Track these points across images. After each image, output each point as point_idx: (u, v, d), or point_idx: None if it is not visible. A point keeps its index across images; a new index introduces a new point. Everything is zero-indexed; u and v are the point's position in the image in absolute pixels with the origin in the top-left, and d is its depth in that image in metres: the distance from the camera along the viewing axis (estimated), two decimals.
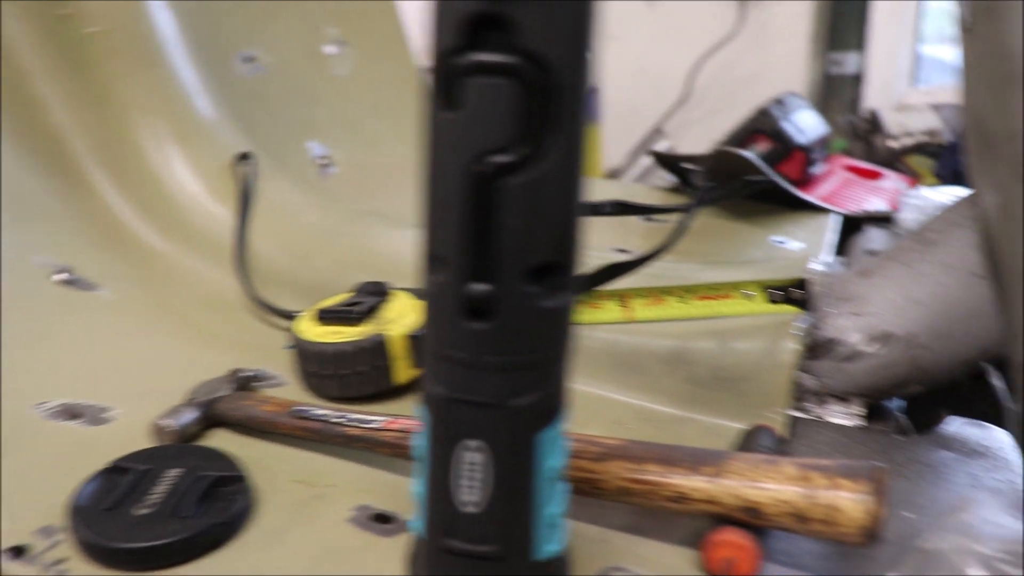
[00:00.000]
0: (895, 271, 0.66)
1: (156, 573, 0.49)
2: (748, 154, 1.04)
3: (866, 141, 1.54)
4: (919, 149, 1.53)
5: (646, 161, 1.48)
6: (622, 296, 0.68)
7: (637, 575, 0.50)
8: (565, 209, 0.37)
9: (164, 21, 0.87)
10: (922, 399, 0.79)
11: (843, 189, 1.36)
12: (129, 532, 0.50)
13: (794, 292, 0.66)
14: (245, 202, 0.83)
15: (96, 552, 0.50)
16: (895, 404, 0.72)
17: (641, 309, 0.68)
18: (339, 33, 1.06)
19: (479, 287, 0.38)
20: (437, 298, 0.39)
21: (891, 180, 1.42)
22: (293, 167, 0.98)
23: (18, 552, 0.50)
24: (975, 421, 0.70)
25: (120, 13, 0.84)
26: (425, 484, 0.44)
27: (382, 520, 0.54)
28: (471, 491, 0.42)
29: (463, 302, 0.38)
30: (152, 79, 0.86)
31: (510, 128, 0.35)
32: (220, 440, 0.63)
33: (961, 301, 0.63)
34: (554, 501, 0.45)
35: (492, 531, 0.43)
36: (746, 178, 0.77)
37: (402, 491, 0.57)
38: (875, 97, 1.86)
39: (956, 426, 0.69)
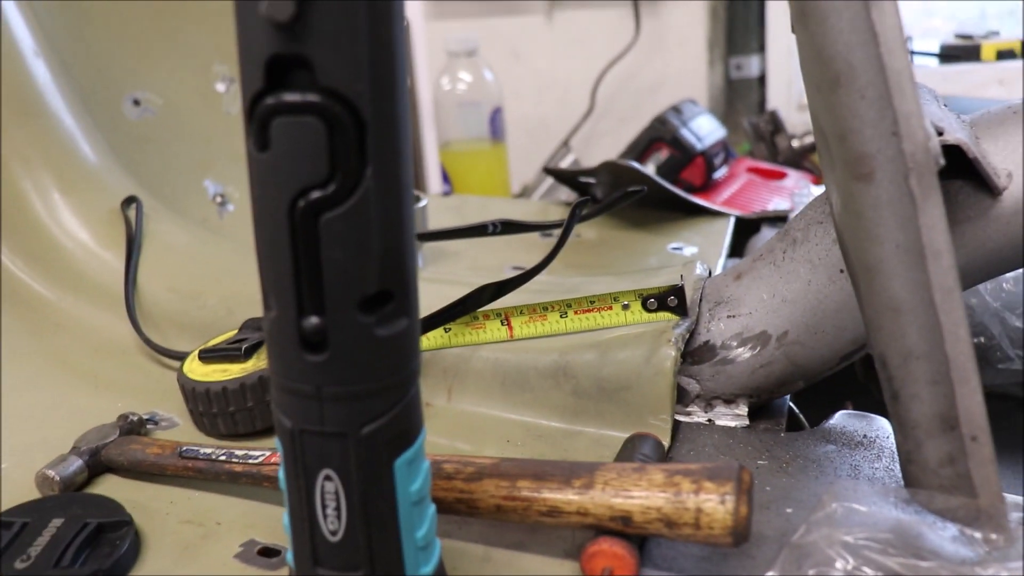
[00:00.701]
0: (765, 271, 0.68)
1: None
2: (633, 164, 1.06)
3: (769, 142, 1.57)
4: None
5: (549, 181, 1.50)
6: (504, 315, 0.69)
7: None
8: (390, 238, 0.38)
9: (39, 69, 0.87)
10: (819, 393, 0.82)
11: (746, 191, 1.39)
12: None
13: (669, 300, 0.67)
14: (131, 246, 0.83)
15: None
16: (785, 401, 0.73)
17: (522, 327, 0.69)
18: (228, 70, 1.06)
19: (311, 320, 0.39)
20: (274, 334, 0.40)
21: (794, 179, 1.46)
22: (190, 208, 0.98)
23: None
24: (858, 412, 0.72)
25: None
26: (289, 516, 0.45)
27: (268, 554, 0.55)
28: (333, 520, 0.43)
29: (298, 336, 0.39)
30: (31, 128, 0.85)
31: (320, 164, 0.36)
32: (108, 486, 0.62)
33: (828, 296, 0.65)
34: (420, 525, 0.45)
35: (359, 558, 0.44)
36: (627, 188, 0.79)
37: None
38: (777, 98, 1.90)
39: (840, 418, 0.71)
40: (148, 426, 0.69)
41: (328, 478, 0.42)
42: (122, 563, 0.53)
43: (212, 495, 0.61)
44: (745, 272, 0.70)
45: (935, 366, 0.53)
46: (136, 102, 0.99)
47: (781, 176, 1.46)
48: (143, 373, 0.78)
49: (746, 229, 1.15)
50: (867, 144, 0.49)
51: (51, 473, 0.60)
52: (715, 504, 0.48)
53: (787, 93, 1.90)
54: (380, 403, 0.41)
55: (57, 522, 0.55)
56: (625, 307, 0.68)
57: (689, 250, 1.01)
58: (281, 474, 0.45)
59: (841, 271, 0.65)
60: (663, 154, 1.32)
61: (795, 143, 1.56)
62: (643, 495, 0.50)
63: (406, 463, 0.43)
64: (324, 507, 0.43)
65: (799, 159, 1.57)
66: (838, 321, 0.66)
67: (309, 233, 0.37)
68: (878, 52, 0.46)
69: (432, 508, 0.47)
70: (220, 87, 1.06)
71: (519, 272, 0.69)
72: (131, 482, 0.63)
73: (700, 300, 0.70)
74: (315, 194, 0.36)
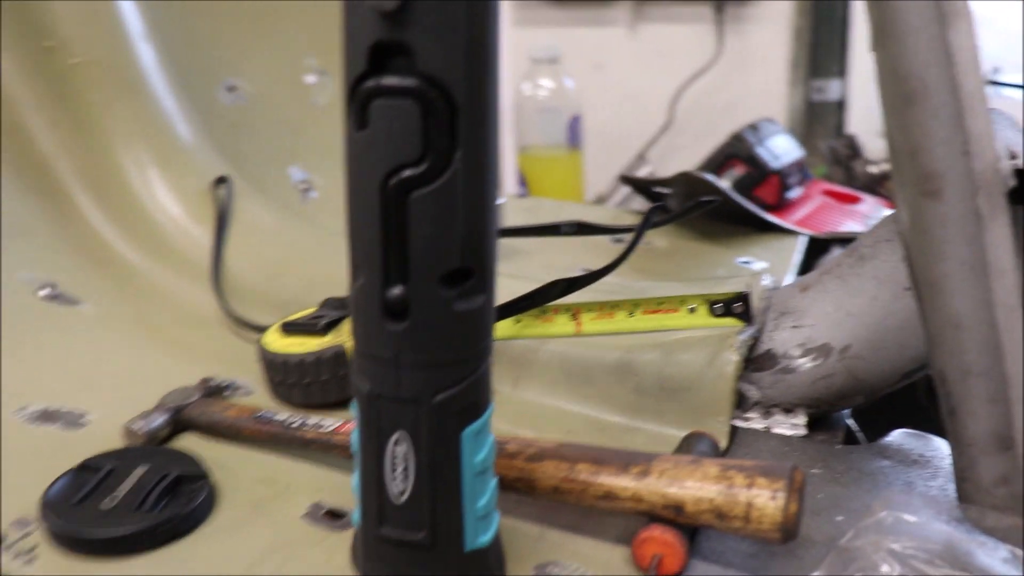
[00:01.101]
0: (831, 285, 0.70)
1: (119, 561, 0.53)
2: (708, 176, 1.07)
3: (846, 166, 1.57)
4: None
5: (624, 191, 1.52)
6: (573, 310, 0.71)
7: (570, 571, 0.53)
8: (474, 218, 0.41)
9: (146, 52, 0.91)
10: (878, 412, 0.82)
11: (820, 213, 1.38)
12: (95, 523, 0.54)
13: (735, 306, 0.69)
14: (221, 223, 0.87)
15: (64, 541, 0.54)
16: (844, 416, 0.74)
17: (590, 323, 0.71)
18: (318, 63, 1.10)
19: (395, 291, 0.41)
20: (360, 301, 0.43)
21: (868, 204, 1.45)
22: (275, 192, 1.02)
23: None
24: (916, 432, 0.73)
25: (102, 45, 0.89)
26: (359, 476, 0.48)
27: (333, 516, 0.58)
28: (400, 482, 0.46)
29: (381, 305, 0.42)
30: (134, 107, 0.90)
31: (414, 144, 0.38)
32: (188, 443, 0.66)
33: (892, 313, 0.66)
34: (482, 494, 0.48)
35: (421, 520, 0.46)
36: (700, 199, 0.80)
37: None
38: (857, 123, 1.89)
39: (898, 436, 0.71)
40: (227, 392, 0.72)
41: (399, 442, 0.45)
42: (198, 513, 0.57)
43: (283, 459, 0.64)
44: (812, 285, 0.71)
45: (994, 384, 0.54)
46: (231, 88, 1.03)
47: (856, 200, 1.45)
48: (224, 343, 0.81)
49: (816, 249, 1.16)
50: (938, 162, 0.50)
51: (137, 426, 0.64)
52: (766, 499, 0.50)
53: (867, 119, 1.89)
54: (454, 374, 0.44)
55: (141, 470, 0.58)
56: (691, 310, 0.70)
57: (758, 265, 1.02)
58: (354, 437, 0.47)
59: (907, 289, 0.66)
60: (738, 171, 1.33)
61: (872, 169, 1.56)
62: (696, 486, 0.51)
63: (473, 434, 0.46)
64: (393, 469, 0.46)
65: (876, 185, 1.56)
66: (901, 338, 0.67)
67: (399, 208, 0.40)
68: (952, 72, 0.48)
69: (494, 481, 0.49)
70: (310, 79, 1.10)
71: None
72: (209, 442, 0.66)
73: (766, 310, 0.71)
74: (407, 172, 0.39)
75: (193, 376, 0.72)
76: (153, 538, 0.54)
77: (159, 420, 0.65)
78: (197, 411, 0.67)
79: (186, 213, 0.89)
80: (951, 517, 0.57)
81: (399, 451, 0.45)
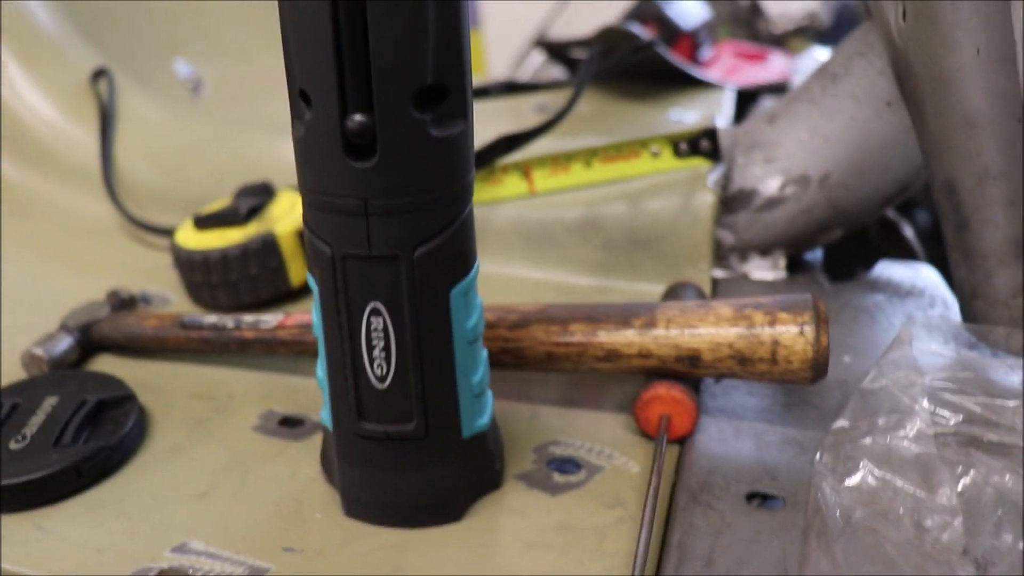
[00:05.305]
0: (802, 111, 0.63)
1: (40, 511, 0.43)
2: (633, 27, 1.00)
3: (748, 27, 1.52)
4: (800, 32, 1.53)
5: (532, 67, 1.42)
6: (523, 168, 0.64)
7: (574, 448, 0.47)
8: (447, 22, 0.33)
9: None
10: (839, 252, 0.78)
11: (732, 71, 1.34)
12: (3, 469, 0.44)
13: (702, 143, 0.62)
14: (105, 121, 0.76)
15: None
16: (818, 256, 0.69)
17: (544, 180, 0.63)
18: None
19: (357, 118, 0.33)
20: (311, 139, 0.34)
21: (777, 60, 1.41)
22: (160, 88, 0.90)
23: None
24: (904, 261, 0.69)
25: None
26: (326, 365, 0.40)
27: (290, 424, 0.50)
28: (381, 364, 0.38)
29: (342, 138, 0.33)
30: None
31: None
32: (104, 365, 0.57)
33: (873, 132, 0.61)
34: (475, 368, 0.41)
35: (410, 406, 0.39)
36: (637, 43, 0.73)
37: (308, 392, 0.52)
38: None
39: (884, 268, 0.67)
40: (140, 305, 0.63)
41: (376, 312, 0.37)
42: (129, 439, 0.48)
43: (220, 368, 0.55)
44: (780, 114, 0.65)
45: (1013, 185, 0.48)
46: None
47: (764, 57, 1.42)
48: (127, 252, 0.71)
49: (743, 104, 1.10)
50: None
51: (39, 351, 0.54)
52: (794, 335, 0.44)
53: None
54: (435, 220, 0.36)
55: (52, 401, 0.49)
56: (654, 153, 0.63)
57: (693, 117, 0.96)
58: (315, 317, 0.39)
59: (888, 104, 0.60)
60: (649, 32, 1.26)
61: (774, 29, 1.52)
62: (712, 331, 0.45)
63: (462, 294, 0.38)
64: (371, 349, 0.38)
65: (778, 44, 1.52)
66: (883, 159, 0.61)
67: (354, 11, 0.31)
68: None
69: (485, 352, 0.42)
70: None
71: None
72: (128, 360, 0.57)
73: (732, 147, 0.65)
74: None
75: (95, 291, 0.62)
76: (79, 477, 0.45)
77: (65, 341, 0.55)
78: (109, 327, 0.57)
79: (61, 113, 0.78)
80: (966, 343, 0.52)
81: (376, 325, 0.37)
